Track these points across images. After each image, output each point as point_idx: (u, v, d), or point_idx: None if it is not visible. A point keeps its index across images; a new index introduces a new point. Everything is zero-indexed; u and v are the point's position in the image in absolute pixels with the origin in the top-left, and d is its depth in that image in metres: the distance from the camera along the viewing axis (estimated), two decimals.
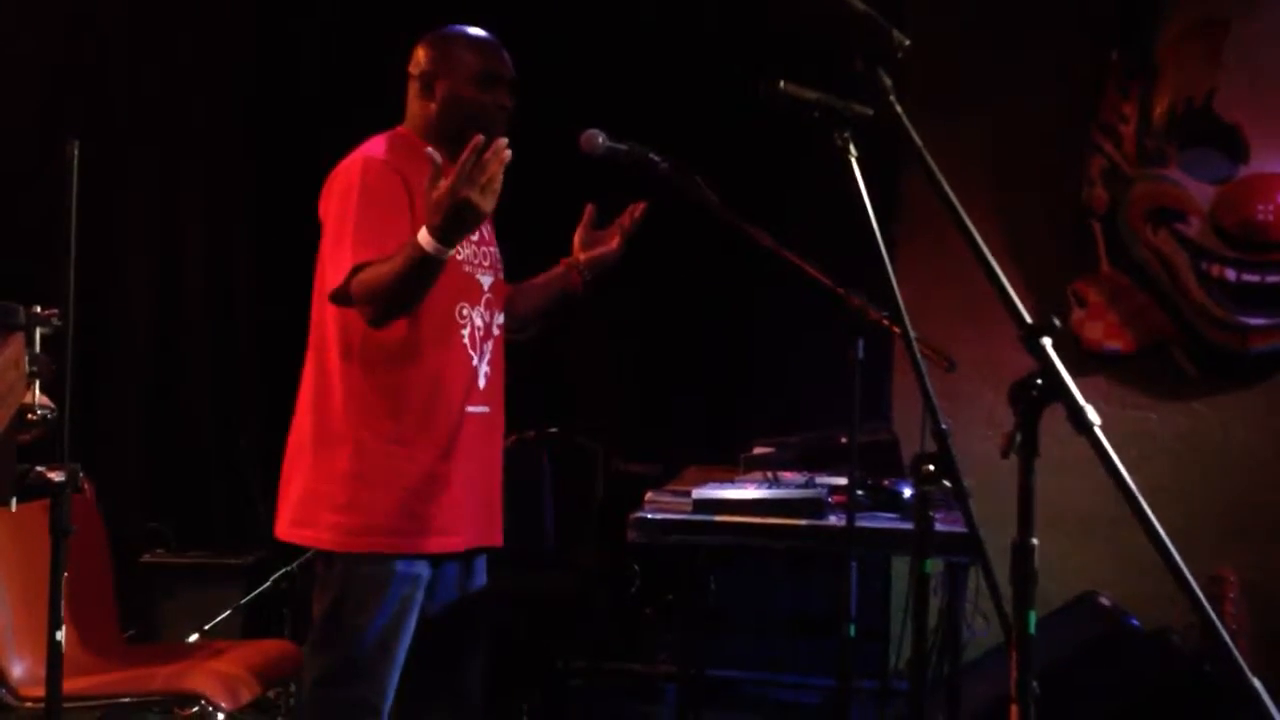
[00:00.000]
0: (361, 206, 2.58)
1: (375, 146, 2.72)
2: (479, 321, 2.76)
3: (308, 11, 5.32)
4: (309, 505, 2.68)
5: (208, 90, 5.34)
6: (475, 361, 2.74)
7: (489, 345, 2.80)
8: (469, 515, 2.75)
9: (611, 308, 4.98)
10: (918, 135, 1.75)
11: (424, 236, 2.42)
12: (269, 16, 5.31)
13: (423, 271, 2.46)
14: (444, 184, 2.39)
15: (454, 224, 2.40)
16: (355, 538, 2.63)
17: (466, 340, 2.73)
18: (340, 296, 2.57)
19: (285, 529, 2.73)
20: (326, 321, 2.69)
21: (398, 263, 2.47)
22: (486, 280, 2.80)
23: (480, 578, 2.88)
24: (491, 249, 2.86)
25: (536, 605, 4.49)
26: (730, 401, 5.09)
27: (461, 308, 2.72)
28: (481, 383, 2.76)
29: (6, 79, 5.09)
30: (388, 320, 2.57)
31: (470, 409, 2.73)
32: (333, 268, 2.58)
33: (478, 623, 2.88)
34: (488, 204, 2.40)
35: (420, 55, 2.80)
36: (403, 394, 2.65)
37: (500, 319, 2.86)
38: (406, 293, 2.51)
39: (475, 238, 2.78)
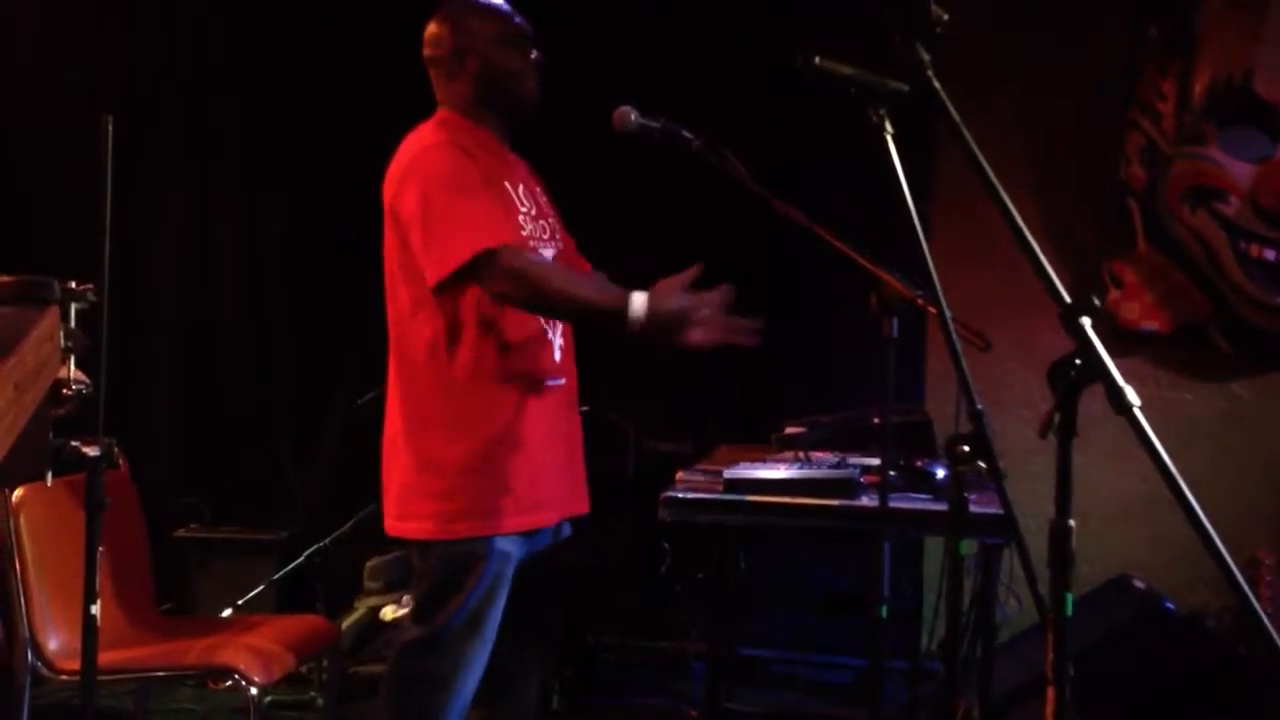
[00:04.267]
0: (449, 195, 2.58)
1: (430, 134, 2.71)
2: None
3: None
4: (408, 498, 2.71)
5: (241, 64, 5.34)
6: (550, 335, 2.76)
7: None
8: (557, 488, 2.78)
9: (643, 285, 4.97)
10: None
11: (639, 306, 2.52)
12: None
13: (600, 318, 2.61)
14: (684, 307, 2.55)
15: (658, 332, 2.54)
16: (453, 524, 2.65)
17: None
18: (456, 278, 2.56)
19: (391, 524, 2.76)
20: (404, 314, 2.69)
21: (594, 294, 2.59)
22: (549, 253, 2.79)
23: (565, 533, 2.92)
24: (550, 220, 2.85)
25: (567, 581, 4.49)
26: (762, 380, 5.07)
27: None
28: (557, 355, 2.78)
29: (44, 59, 5.12)
30: (520, 306, 2.62)
31: (550, 382, 2.75)
32: (437, 257, 2.57)
33: (557, 578, 2.93)
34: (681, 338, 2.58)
35: (438, 35, 2.78)
36: (487, 377, 2.65)
37: None
38: (569, 313, 2.67)
39: (534, 211, 2.79)
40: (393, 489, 2.75)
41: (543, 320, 2.73)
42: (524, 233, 2.71)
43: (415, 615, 2.74)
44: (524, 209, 2.74)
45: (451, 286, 2.59)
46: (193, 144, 5.35)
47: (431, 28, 2.79)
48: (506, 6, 2.80)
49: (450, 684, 2.68)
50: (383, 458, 2.79)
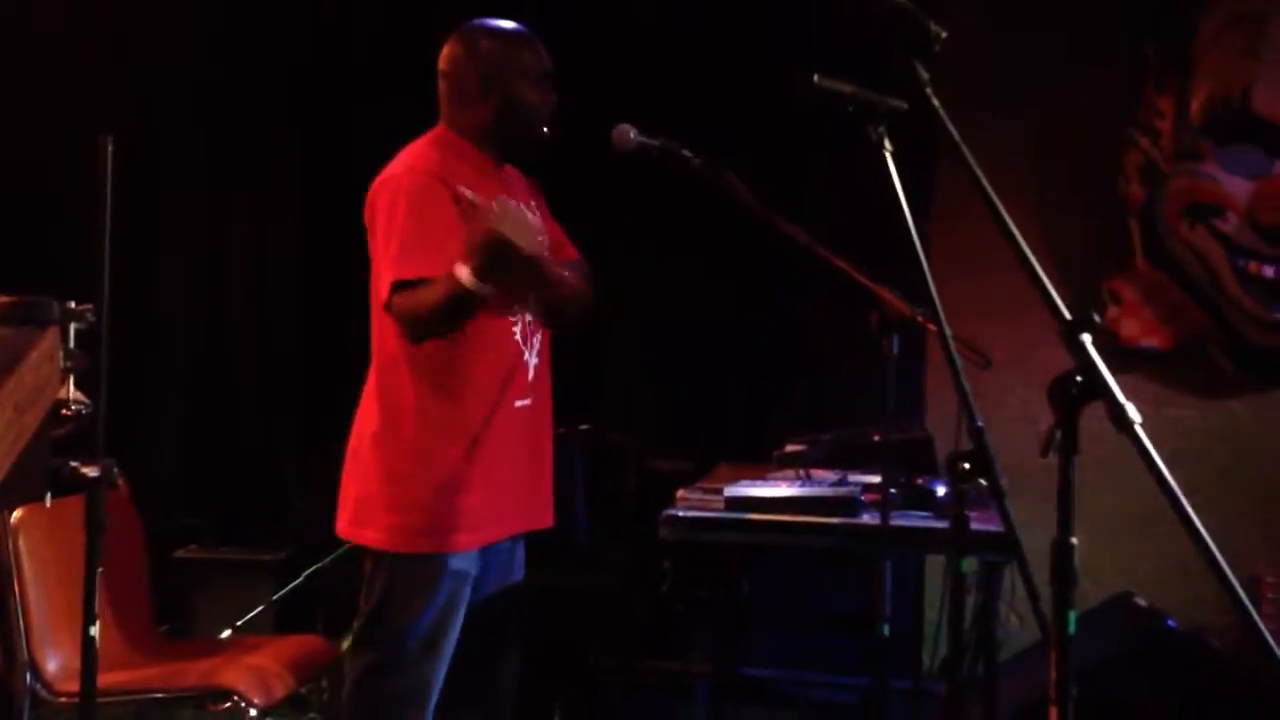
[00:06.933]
0: (406, 221, 2.57)
1: (420, 155, 2.69)
2: (529, 315, 2.75)
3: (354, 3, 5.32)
4: (367, 505, 2.70)
5: (251, 84, 5.33)
6: (525, 356, 2.76)
7: (537, 338, 2.81)
8: (515, 503, 2.78)
9: (644, 304, 4.97)
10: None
11: (462, 272, 2.42)
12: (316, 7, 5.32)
13: (461, 306, 2.48)
14: (477, 225, 2.41)
15: (490, 263, 2.41)
16: (411, 537, 2.65)
17: (518, 335, 2.74)
18: (387, 309, 2.59)
19: (345, 528, 2.76)
20: (382, 328, 2.70)
21: (438, 294, 2.48)
22: None
23: (519, 572, 2.90)
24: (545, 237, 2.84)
25: (568, 602, 4.48)
26: (762, 398, 5.06)
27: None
28: (530, 375, 2.77)
29: (49, 75, 5.11)
30: (424, 341, 2.60)
31: (519, 403, 2.74)
32: (378, 281, 2.61)
33: (515, 617, 2.90)
34: (525, 242, 2.40)
35: (462, 55, 2.75)
36: (459, 395, 2.66)
37: None
38: (442, 323, 2.54)
39: None
40: (351, 493, 2.74)
41: (520, 341, 2.73)
42: None
43: (364, 627, 2.72)
44: None
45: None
46: (202, 159, 5.34)
47: (456, 47, 2.76)
48: (532, 38, 2.79)
49: (415, 702, 2.68)
50: (345, 459, 2.78)
